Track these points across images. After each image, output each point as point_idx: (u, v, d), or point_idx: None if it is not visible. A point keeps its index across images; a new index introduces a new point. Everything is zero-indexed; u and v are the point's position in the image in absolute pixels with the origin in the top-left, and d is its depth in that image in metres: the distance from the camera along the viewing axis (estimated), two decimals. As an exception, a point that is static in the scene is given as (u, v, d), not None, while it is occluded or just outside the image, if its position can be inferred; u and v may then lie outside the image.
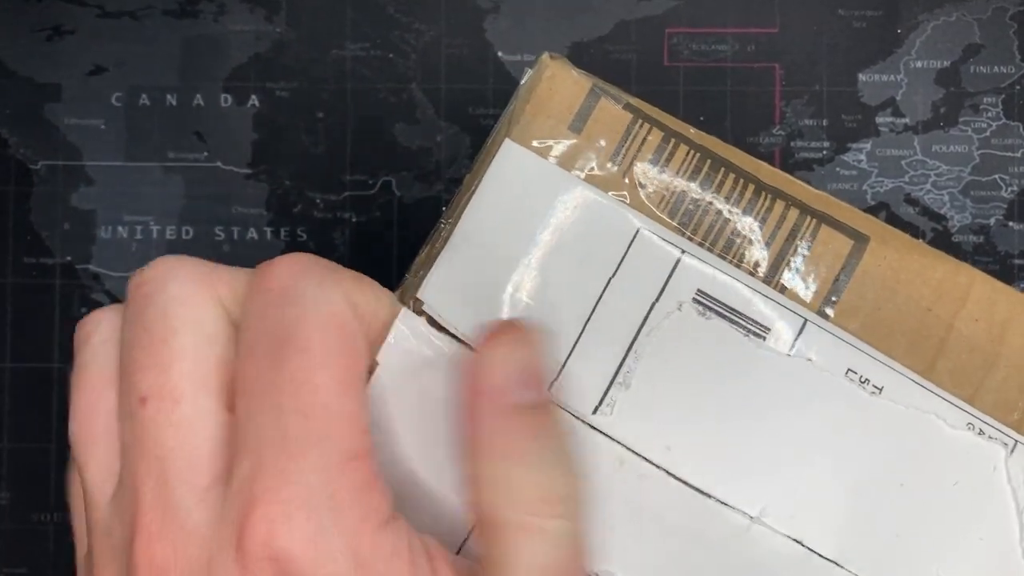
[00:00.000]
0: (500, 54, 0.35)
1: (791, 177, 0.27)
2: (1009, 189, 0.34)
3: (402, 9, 0.35)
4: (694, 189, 0.27)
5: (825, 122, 0.35)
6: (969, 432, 0.26)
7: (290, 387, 0.22)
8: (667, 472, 0.25)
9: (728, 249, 0.27)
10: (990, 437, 0.26)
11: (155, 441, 0.22)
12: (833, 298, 0.27)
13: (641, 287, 0.26)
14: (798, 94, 0.35)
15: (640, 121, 0.27)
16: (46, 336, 0.35)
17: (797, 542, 0.25)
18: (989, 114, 0.34)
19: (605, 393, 0.26)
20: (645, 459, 0.25)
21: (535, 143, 0.27)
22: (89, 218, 0.35)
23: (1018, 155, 0.34)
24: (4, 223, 0.35)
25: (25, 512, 0.34)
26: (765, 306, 0.26)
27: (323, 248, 0.34)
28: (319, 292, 0.23)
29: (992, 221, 0.34)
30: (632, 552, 0.25)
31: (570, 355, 0.26)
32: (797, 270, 0.27)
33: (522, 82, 0.28)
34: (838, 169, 0.34)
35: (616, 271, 0.26)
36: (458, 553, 0.25)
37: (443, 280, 0.26)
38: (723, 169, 0.27)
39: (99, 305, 0.34)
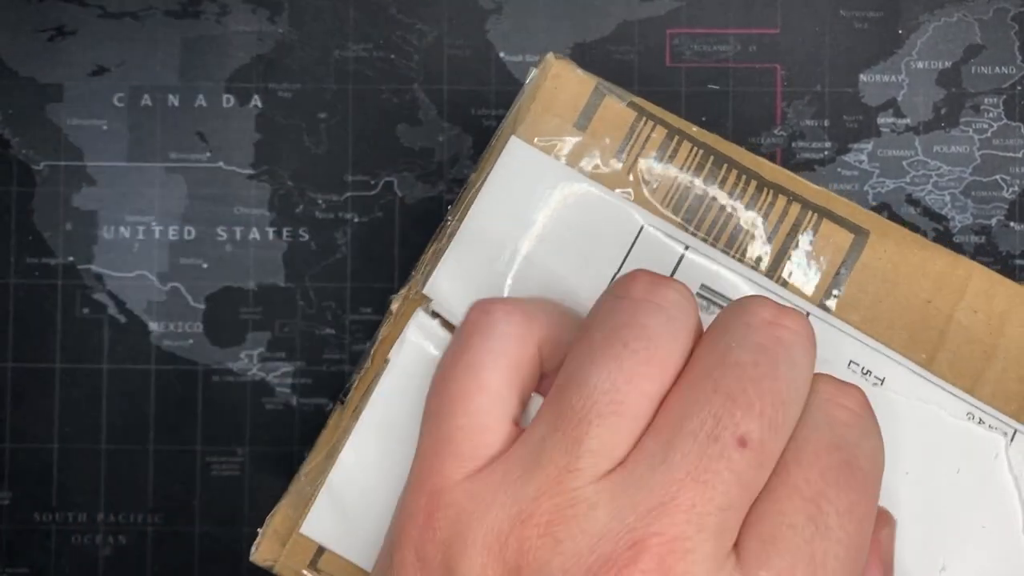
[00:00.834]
0: (502, 55, 0.35)
1: (792, 173, 0.28)
2: (1010, 189, 0.34)
3: (404, 10, 0.35)
4: (697, 185, 0.27)
5: (826, 122, 0.35)
6: (970, 421, 0.26)
7: None
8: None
9: (731, 244, 0.27)
10: (990, 426, 0.26)
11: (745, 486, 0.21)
12: (834, 291, 0.27)
13: (645, 283, 0.26)
14: (799, 94, 0.35)
15: (644, 119, 0.27)
16: (48, 336, 0.34)
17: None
18: (990, 115, 0.34)
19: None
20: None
21: (540, 140, 0.27)
22: (91, 218, 0.35)
23: (1019, 155, 0.34)
24: (6, 223, 0.35)
25: (26, 512, 0.34)
26: (768, 301, 0.26)
27: (325, 248, 0.34)
28: None
29: (993, 221, 0.34)
30: None
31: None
32: (799, 264, 0.27)
33: (527, 81, 0.28)
34: (839, 170, 0.34)
35: (621, 266, 0.26)
36: None
37: (449, 275, 0.26)
38: (726, 165, 0.27)
39: (99, 305, 0.34)
